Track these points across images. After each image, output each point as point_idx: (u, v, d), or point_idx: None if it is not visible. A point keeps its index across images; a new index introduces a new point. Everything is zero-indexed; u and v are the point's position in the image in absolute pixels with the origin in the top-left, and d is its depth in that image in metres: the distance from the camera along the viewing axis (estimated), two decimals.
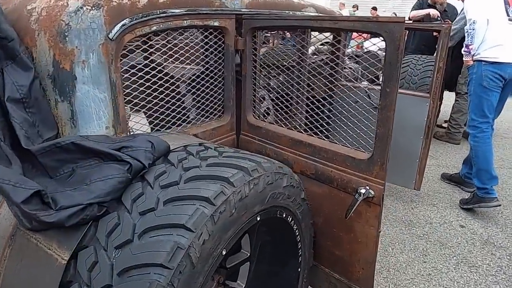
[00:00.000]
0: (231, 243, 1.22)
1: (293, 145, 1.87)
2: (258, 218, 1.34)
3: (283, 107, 2.11)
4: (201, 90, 1.95)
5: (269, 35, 2.85)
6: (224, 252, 1.18)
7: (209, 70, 1.96)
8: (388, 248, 2.78)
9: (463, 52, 3.30)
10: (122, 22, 1.45)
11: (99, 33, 1.40)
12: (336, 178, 1.70)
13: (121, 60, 1.53)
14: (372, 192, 1.56)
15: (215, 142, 2.01)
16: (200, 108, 1.98)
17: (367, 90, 3.50)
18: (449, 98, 5.64)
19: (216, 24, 1.87)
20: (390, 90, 1.44)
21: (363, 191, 1.55)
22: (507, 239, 2.93)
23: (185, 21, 1.71)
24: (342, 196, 1.70)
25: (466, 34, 3.22)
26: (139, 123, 1.70)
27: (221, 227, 1.14)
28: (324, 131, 1.86)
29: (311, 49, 4.90)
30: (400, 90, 3.46)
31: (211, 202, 1.13)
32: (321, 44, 3.95)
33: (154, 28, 1.59)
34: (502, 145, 5.08)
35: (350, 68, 4.72)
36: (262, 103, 2.55)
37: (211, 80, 1.99)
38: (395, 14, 7.41)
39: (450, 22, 4.20)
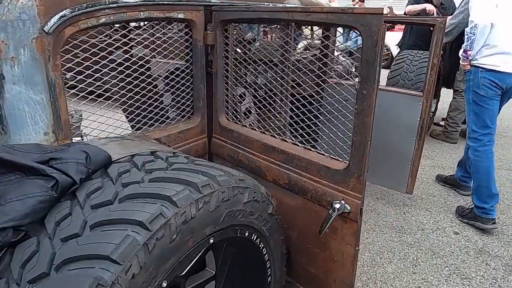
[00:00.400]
0: (175, 272, 1.04)
1: (266, 151, 1.70)
2: (212, 241, 1.16)
3: (261, 107, 1.93)
4: (165, 89, 1.77)
5: (247, 28, 2.66)
6: (164, 285, 1.00)
7: (174, 68, 1.78)
8: (376, 258, 2.60)
9: (460, 56, 3.05)
10: (61, 13, 1.27)
11: (31, 25, 1.21)
12: (310, 190, 1.52)
13: (63, 56, 1.35)
14: (348, 207, 1.38)
15: (182, 147, 1.83)
16: (164, 110, 1.80)
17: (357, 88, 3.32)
18: (447, 95, 5.45)
19: (180, 16, 1.68)
20: (368, 93, 1.26)
21: (337, 205, 1.37)
22: (503, 247, 2.75)
23: (141, 13, 1.52)
24: (317, 209, 1.53)
25: (465, 37, 2.92)
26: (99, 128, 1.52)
27: (157, 257, 0.96)
28: (310, 134, 1.66)
29: (302, 44, 4.72)
30: (391, 88, 3.27)
31: (146, 226, 0.95)
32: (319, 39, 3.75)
33: (103, 20, 1.40)
34: (501, 144, 4.90)
35: (342, 64, 4.53)
36: (241, 103, 2.37)
37: (177, 79, 1.81)
38: (390, 9, 7.18)
39: (446, 16, 3.99)
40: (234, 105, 1.91)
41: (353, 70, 4.80)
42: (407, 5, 4.85)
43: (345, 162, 1.42)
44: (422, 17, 4.14)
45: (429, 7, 4.51)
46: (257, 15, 1.59)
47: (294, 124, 1.72)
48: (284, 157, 1.61)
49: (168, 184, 1.08)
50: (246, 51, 2.16)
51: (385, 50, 5.55)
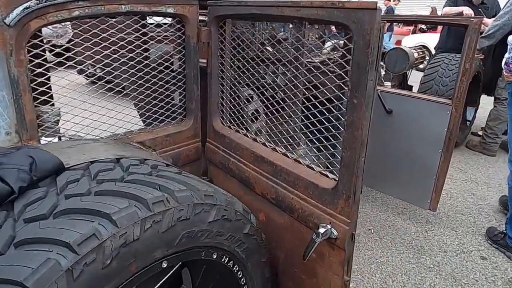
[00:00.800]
0: None
1: (255, 161, 1.54)
2: (165, 265, 1.02)
3: (272, 112, 1.75)
4: (152, 89, 1.65)
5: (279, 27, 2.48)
6: None
7: (163, 66, 1.66)
8: (388, 280, 2.37)
9: (503, 67, 2.71)
10: (25, 5, 1.17)
11: None
12: (297, 208, 1.35)
13: (30, 52, 1.26)
14: (335, 233, 1.20)
15: (170, 151, 1.71)
16: (152, 111, 1.68)
17: (379, 94, 3.07)
18: (488, 102, 5.02)
19: (170, 11, 1.56)
20: (358, 102, 1.07)
21: (322, 230, 1.19)
22: None
23: (122, 6, 1.41)
24: (304, 230, 1.35)
25: (508, 47, 2.58)
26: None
27: (85, 284, 0.84)
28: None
29: (330, 43, 4.47)
30: (415, 95, 2.99)
31: (73, 249, 0.82)
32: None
33: (77, 13, 1.30)
34: None
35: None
36: (247, 106, 2.22)
37: (167, 78, 1.68)
38: (434, 9, 6.74)
39: (482, 17, 3.62)
40: (230, 108, 1.76)
41: (383, 73, 4.53)
42: (444, 6, 4.51)
43: (334, 180, 1.23)
44: (455, 17, 3.80)
45: (466, 10, 4.16)
46: (247, 10, 1.43)
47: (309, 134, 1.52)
48: (272, 169, 1.45)
49: (113, 198, 0.95)
50: (263, 50, 1.99)
51: (421, 53, 5.19)
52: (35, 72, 1.30)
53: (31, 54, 1.27)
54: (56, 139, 1.48)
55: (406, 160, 2.88)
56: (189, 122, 1.79)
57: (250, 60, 1.61)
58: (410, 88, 5.28)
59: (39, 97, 1.32)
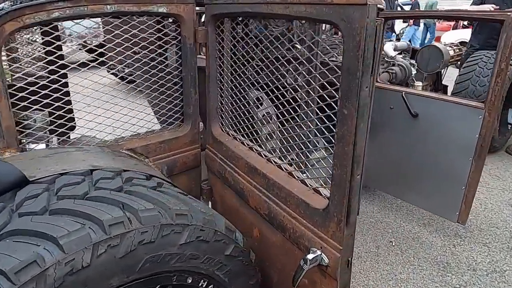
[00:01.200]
0: None
1: (250, 172, 1.42)
2: None
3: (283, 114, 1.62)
4: (145, 93, 1.57)
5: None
6: None
7: (157, 69, 1.57)
8: None
9: None
10: None
11: None
12: (289, 228, 1.21)
13: (9, 55, 1.21)
14: (326, 260, 1.06)
15: (165, 158, 1.63)
16: (145, 116, 1.60)
17: (403, 96, 2.85)
18: None
19: (162, 10, 1.47)
20: (349, 113, 0.92)
21: (310, 256, 1.05)
22: None
23: (108, 6, 1.33)
24: (296, 252, 1.22)
25: None
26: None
27: None
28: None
29: None
30: (442, 97, 2.72)
31: (9, 278, 0.74)
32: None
33: (56, 14, 1.23)
34: None
35: (400, 65, 4.02)
36: (258, 108, 2.10)
37: (161, 82, 1.59)
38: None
39: None
40: (229, 113, 1.64)
41: (413, 73, 4.25)
42: (471, 4, 4.21)
43: (326, 199, 1.09)
44: (489, 12, 3.50)
45: (493, 8, 3.86)
46: (240, 8, 1.31)
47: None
48: (265, 182, 1.32)
49: (66, 219, 0.86)
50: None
51: (458, 50, 4.85)
52: (15, 76, 1.25)
53: (9, 57, 1.22)
54: (43, 146, 1.43)
55: (433, 168, 2.65)
56: (186, 128, 1.69)
57: (250, 60, 1.48)
58: (444, 88, 4.95)
59: (19, 103, 1.26)
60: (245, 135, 1.54)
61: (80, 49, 1.62)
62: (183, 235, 1.00)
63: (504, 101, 3.95)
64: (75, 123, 1.55)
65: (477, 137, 2.39)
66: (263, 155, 1.41)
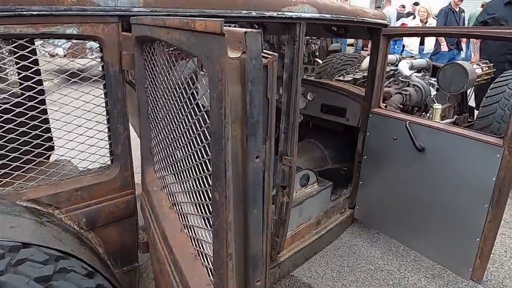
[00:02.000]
0: None
1: (164, 240, 1.10)
2: None
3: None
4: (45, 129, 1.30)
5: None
6: None
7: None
8: None
9: None
10: None
11: None
12: None
13: None
14: None
15: (83, 208, 1.34)
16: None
17: (407, 126, 2.44)
18: None
19: (71, 32, 1.19)
20: (220, 200, 0.59)
21: None
22: None
23: None
24: None
25: None
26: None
27: None
28: None
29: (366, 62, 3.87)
30: (455, 129, 2.25)
31: None
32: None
33: None
34: None
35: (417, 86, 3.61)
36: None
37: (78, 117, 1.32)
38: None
39: None
40: (162, 154, 1.34)
41: (432, 94, 3.81)
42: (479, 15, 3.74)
43: None
44: (495, 29, 3.04)
45: None
46: (144, 31, 1.01)
47: None
48: (173, 260, 1.00)
49: None
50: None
51: (487, 68, 4.35)
52: None
53: None
54: None
55: (442, 213, 2.22)
56: (115, 170, 1.41)
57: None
58: (471, 110, 4.44)
59: None
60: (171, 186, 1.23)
61: None
62: None
63: None
64: None
65: (494, 180, 1.96)
66: (181, 219, 1.09)
